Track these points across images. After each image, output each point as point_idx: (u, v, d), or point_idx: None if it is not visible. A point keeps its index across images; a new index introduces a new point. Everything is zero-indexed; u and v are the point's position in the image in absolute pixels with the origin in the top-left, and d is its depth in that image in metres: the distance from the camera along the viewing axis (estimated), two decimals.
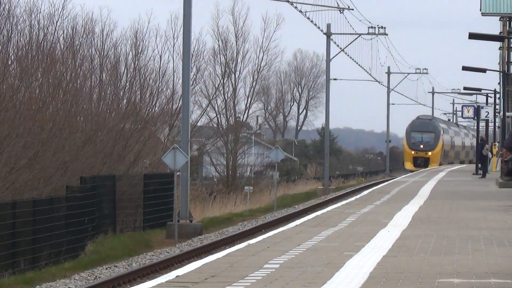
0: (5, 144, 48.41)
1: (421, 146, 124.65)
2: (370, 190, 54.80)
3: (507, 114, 72.09)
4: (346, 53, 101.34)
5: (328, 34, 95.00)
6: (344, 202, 43.63)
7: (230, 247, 25.35)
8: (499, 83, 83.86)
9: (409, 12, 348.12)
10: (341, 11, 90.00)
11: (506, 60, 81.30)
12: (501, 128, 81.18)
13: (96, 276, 39.09)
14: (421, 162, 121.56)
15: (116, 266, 42.35)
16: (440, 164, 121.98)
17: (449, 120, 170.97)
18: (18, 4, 58.91)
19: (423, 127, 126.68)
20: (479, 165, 75.86)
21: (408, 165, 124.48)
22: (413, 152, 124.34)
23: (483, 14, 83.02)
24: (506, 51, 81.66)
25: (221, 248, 29.82)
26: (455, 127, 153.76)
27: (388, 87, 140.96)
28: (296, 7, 71.99)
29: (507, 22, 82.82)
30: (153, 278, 18.18)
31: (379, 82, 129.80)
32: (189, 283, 15.00)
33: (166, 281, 15.56)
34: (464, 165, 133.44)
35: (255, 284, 14.82)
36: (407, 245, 21.56)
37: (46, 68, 59.39)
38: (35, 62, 58.96)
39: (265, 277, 15.43)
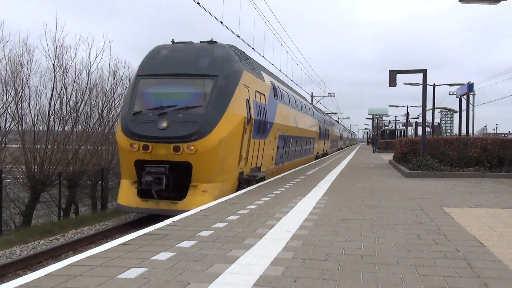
0: None
1: None
2: (330, 155, 39.80)
3: (373, 133, 74.20)
4: None
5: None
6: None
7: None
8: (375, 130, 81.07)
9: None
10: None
11: (375, 125, 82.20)
12: (374, 135, 74.80)
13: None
14: None
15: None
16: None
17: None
18: None
19: None
20: (371, 144, 74.54)
21: None
22: None
23: (369, 113, 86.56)
24: (377, 122, 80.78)
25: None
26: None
27: None
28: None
29: (376, 116, 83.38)
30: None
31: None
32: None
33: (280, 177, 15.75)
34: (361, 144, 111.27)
35: (287, 188, 12.64)
36: (355, 158, 25.61)
37: None
38: None
39: (282, 191, 12.08)
